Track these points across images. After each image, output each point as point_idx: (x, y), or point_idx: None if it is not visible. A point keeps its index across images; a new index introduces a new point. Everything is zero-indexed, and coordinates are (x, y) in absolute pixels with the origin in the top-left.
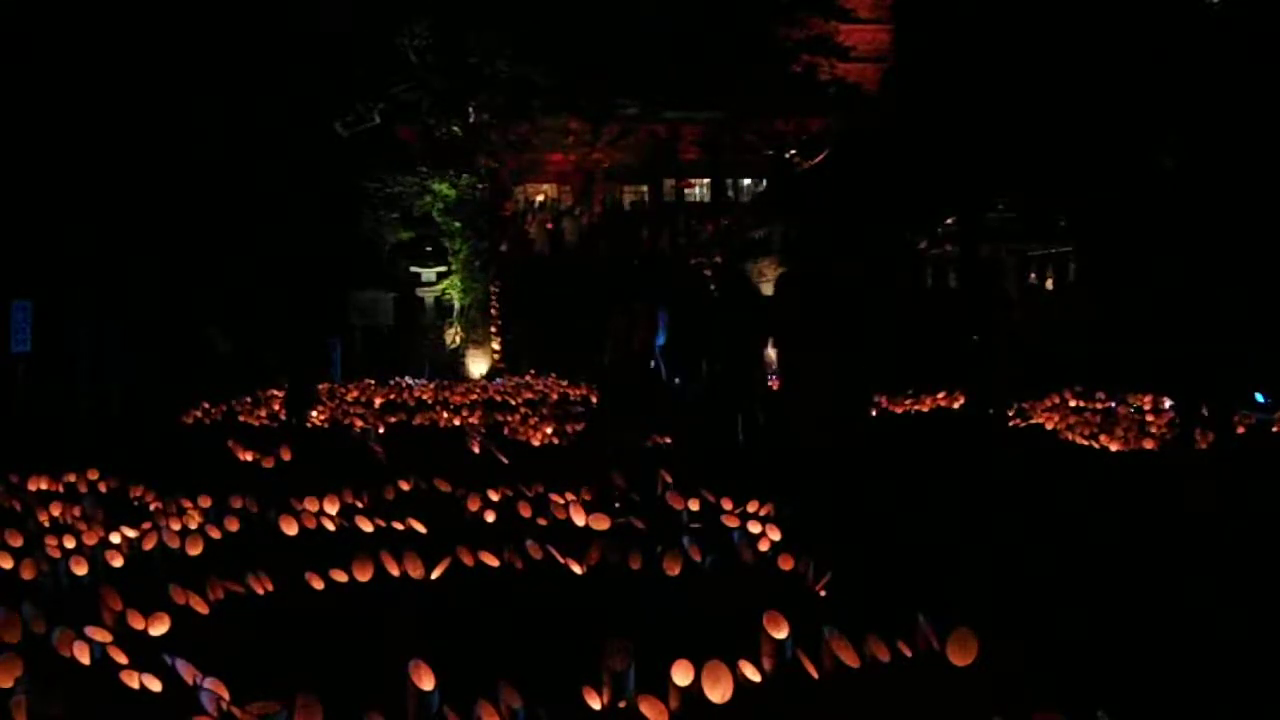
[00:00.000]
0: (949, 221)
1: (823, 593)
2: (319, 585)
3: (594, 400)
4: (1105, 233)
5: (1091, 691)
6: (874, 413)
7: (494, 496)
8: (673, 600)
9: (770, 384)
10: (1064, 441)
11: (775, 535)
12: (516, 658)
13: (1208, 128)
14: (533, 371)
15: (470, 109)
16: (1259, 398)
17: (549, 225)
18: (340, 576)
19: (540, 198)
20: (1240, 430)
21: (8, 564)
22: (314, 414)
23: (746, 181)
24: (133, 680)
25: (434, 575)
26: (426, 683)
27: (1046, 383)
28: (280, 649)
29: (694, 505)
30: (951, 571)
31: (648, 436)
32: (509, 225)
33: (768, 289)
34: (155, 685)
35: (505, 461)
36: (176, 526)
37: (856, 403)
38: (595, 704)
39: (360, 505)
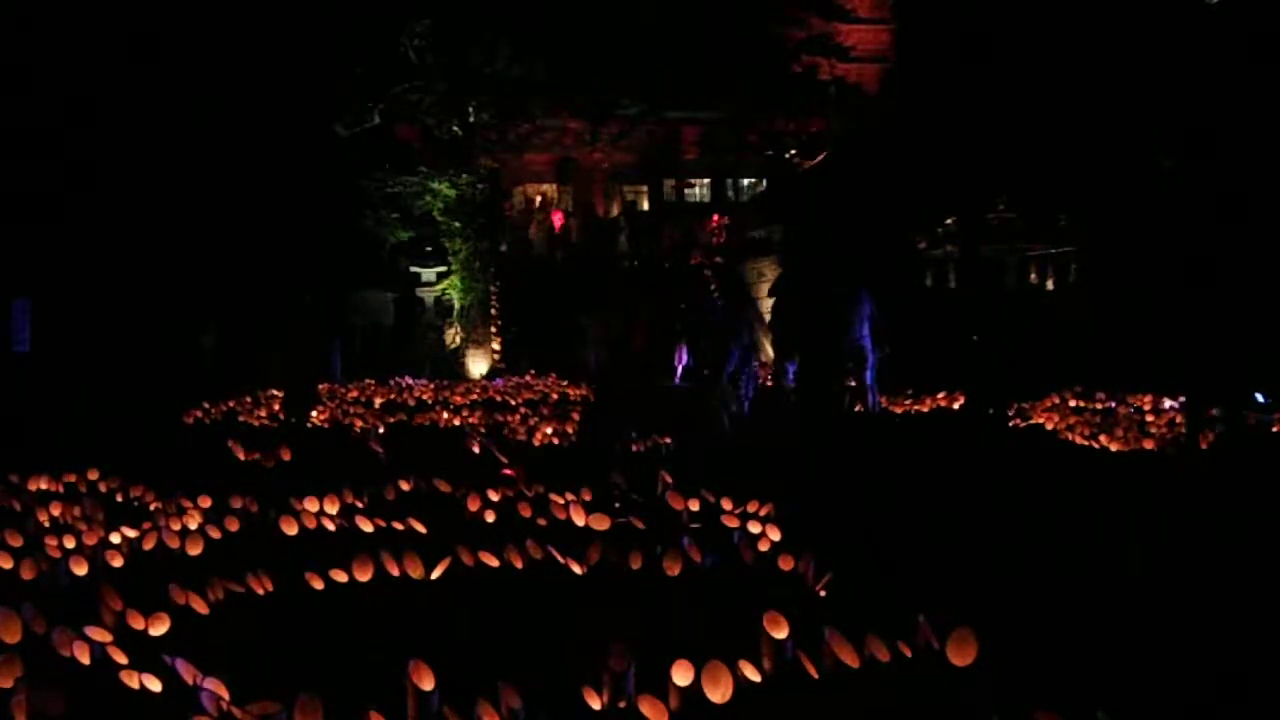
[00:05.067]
0: (949, 221)
1: (823, 593)
2: (319, 585)
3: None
4: (1106, 232)
5: (1091, 691)
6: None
7: (494, 496)
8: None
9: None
10: (1064, 441)
11: (775, 535)
12: (517, 658)
13: (1208, 128)
14: (533, 371)
15: (470, 109)
16: (1259, 397)
17: (552, 225)
18: (340, 576)
19: (540, 198)
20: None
21: (8, 564)
22: (314, 414)
23: (746, 181)
24: (133, 680)
25: (434, 575)
26: (426, 683)
27: (1046, 383)
28: (280, 649)
29: (694, 505)
30: (951, 571)
31: (647, 436)
32: (509, 225)
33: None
34: (155, 685)
35: (505, 461)
36: (176, 526)
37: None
38: (595, 704)
39: (360, 505)
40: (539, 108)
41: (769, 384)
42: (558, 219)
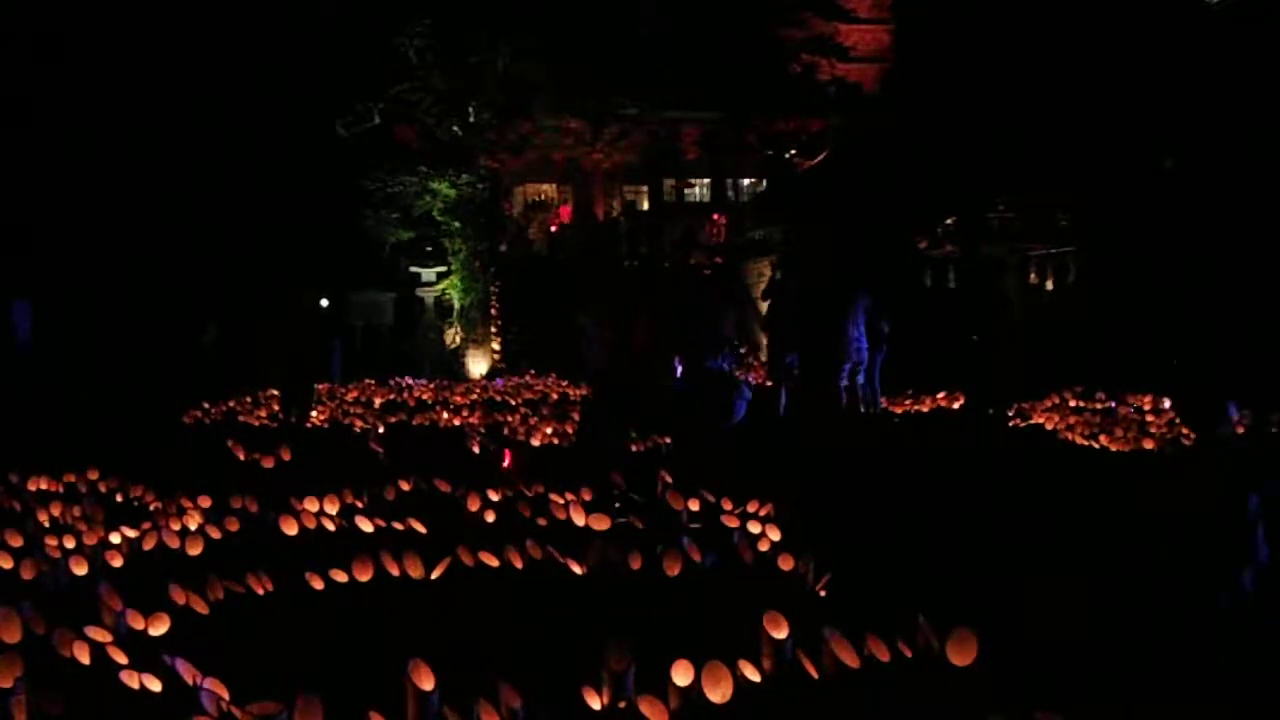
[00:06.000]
0: (949, 221)
1: (823, 593)
2: (319, 585)
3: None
4: (1106, 233)
5: (1092, 691)
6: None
7: (494, 496)
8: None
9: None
10: (1064, 441)
11: (775, 535)
12: (516, 658)
13: (1208, 128)
14: (532, 371)
15: (470, 109)
16: None
17: (552, 227)
18: (340, 576)
19: (540, 198)
20: (1240, 430)
21: (8, 564)
22: (314, 414)
23: (746, 181)
24: (133, 680)
25: (434, 575)
26: (426, 683)
27: (1046, 383)
28: (280, 649)
29: (694, 505)
30: (951, 571)
31: (647, 437)
32: (509, 225)
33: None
34: (155, 685)
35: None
36: (176, 526)
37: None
38: (595, 704)
39: (360, 505)
40: (539, 108)
41: (768, 384)
42: (566, 213)
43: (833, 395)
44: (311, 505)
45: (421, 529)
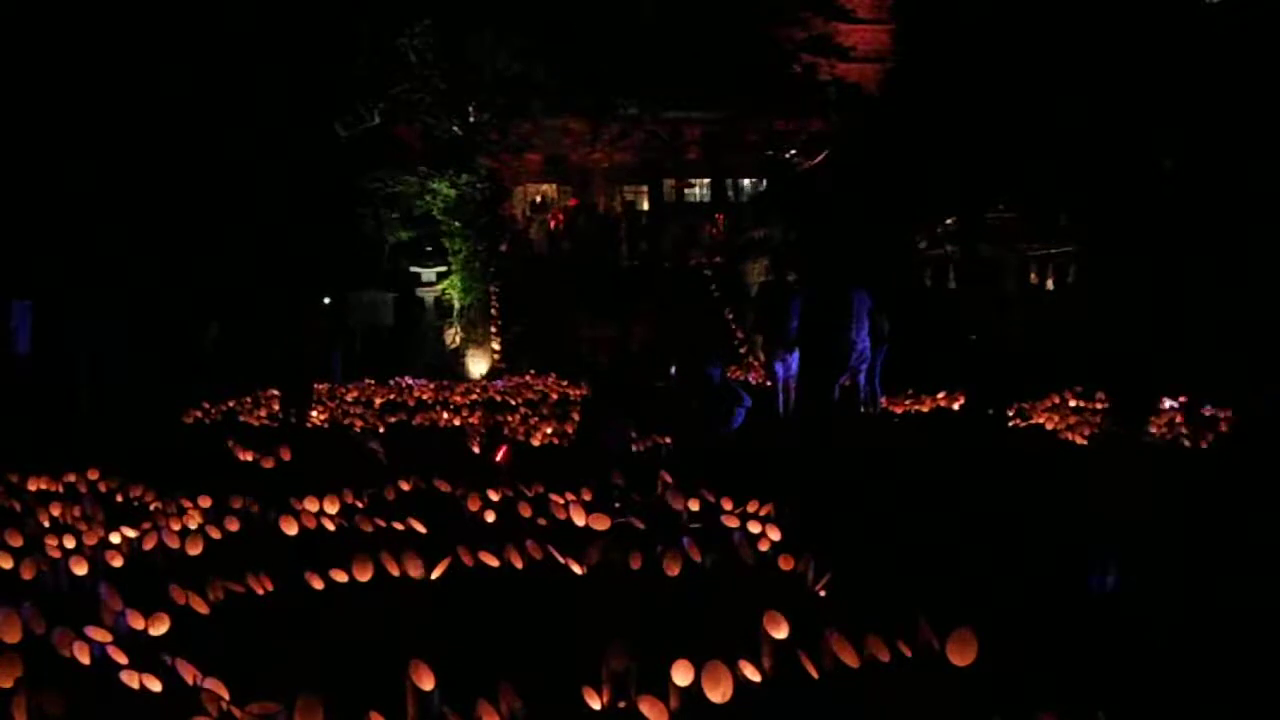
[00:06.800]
0: (949, 221)
1: (823, 593)
2: (319, 585)
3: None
4: (1106, 233)
5: (1091, 691)
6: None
7: (494, 496)
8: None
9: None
10: (1064, 441)
11: (775, 535)
12: (516, 658)
13: (1207, 128)
14: (532, 371)
15: (470, 109)
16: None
17: (551, 225)
18: (340, 576)
19: (540, 198)
20: (1224, 429)
21: (8, 564)
22: (314, 414)
23: (746, 181)
24: (133, 680)
25: (434, 575)
26: (426, 683)
27: (1046, 383)
28: (280, 649)
29: (694, 505)
30: (951, 571)
31: (646, 437)
32: (509, 225)
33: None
34: (155, 685)
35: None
36: (176, 526)
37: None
38: (595, 704)
39: (360, 505)
40: (539, 108)
41: (767, 384)
42: (566, 212)
43: (827, 396)
44: (311, 505)
45: (421, 529)
